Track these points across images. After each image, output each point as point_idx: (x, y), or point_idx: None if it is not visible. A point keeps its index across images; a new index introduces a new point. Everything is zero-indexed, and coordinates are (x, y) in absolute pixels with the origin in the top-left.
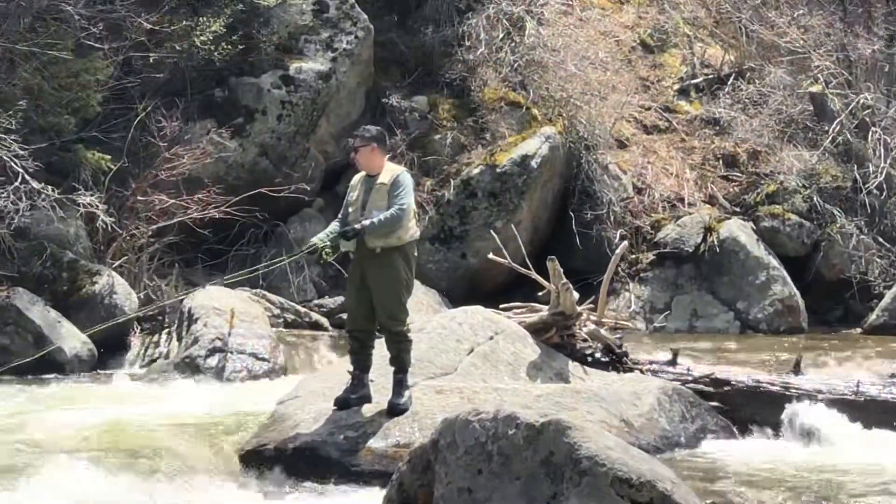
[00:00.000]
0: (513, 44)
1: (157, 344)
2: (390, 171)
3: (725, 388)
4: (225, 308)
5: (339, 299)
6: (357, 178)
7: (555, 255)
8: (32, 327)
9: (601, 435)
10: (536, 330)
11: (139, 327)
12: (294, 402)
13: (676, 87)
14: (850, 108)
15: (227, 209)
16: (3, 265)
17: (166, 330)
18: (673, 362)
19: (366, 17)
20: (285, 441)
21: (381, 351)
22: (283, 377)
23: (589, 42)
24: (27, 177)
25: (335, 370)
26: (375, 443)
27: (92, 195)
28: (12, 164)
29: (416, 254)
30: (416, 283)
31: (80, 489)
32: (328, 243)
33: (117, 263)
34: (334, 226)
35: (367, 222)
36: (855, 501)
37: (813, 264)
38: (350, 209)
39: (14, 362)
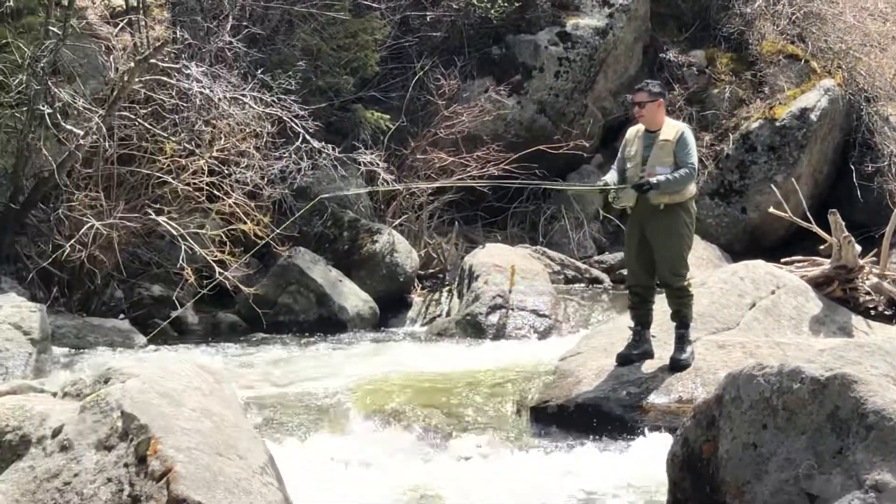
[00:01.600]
0: None
1: (437, 302)
2: (673, 127)
3: None
4: (505, 265)
5: (619, 255)
6: (633, 131)
7: (835, 209)
8: (314, 286)
9: (888, 389)
10: (818, 284)
11: (420, 286)
12: (576, 358)
13: None
14: None
15: (506, 166)
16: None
17: (447, 287)
18: None
19: None
20: (568, 397)
21: (661, 306)
22: (564, 333)
23: None
24: (308, 137)
25: (616, 326)
26: (658, 398)
27: (372, 154)
28: (293, 124)
29: (695, 209)
30: (696, 238)
31: (364, 444)
32: (616, 189)
33: (397, 222)
34: (613, 175)
35: (661, 178)
36: None
37: None
38: (629, 164)
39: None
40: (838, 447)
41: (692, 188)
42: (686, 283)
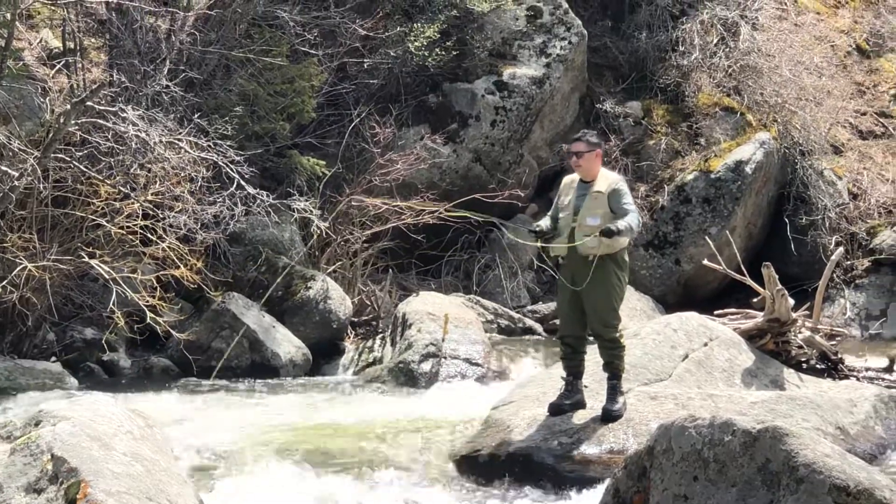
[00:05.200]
0: (727, 49)
1: (370, 349)
2: (607, 179)
3: None
4: (439, 313)
5: (553, 305)
6: (567, 181)
7: (769, 262)
8: (247, 332)
9: (818, 442)
10: (751, 336)
11: (353, 332)
12: (508, 407)
13: (893, 92)
14: None
15: (441, 215)
16: (218, 270)
17: (380, 335)
18: (889, 369)
19: (579, 22)
20: (499, 446)
21: (593, 356)
22: (496, 383)
23: (804, 47)
24: (242, 182)
25: (548, 376)
26: (589, 449)
27: (306, 200)
28: (228, 169)
29: (627, 260)
30: (630, 289)
31: (294, 492)
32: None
33: (332, 269)
34: (547, 222)
35: (621, 224)
36: None
37: None
38: (562, 213)
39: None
40: (768, 500)
41: (624, 240)
42: (618, 334)
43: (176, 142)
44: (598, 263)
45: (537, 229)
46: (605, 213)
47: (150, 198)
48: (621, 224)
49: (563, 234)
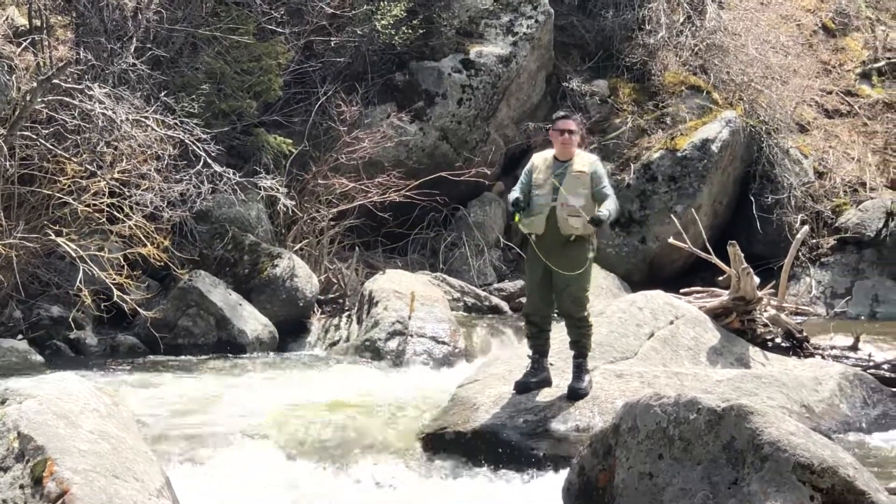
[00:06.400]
0: (693, 27)
1: (337, 327)
2: (587, 159)
3: None
4: (405, 291)
5: (519, 283)
6: (540, 158)
7: (735, 240)
8: (214, 310)
9: (783, 420)
10: (717, 315)
11: (320, 310)
12: (474, 385)
13: (858, 70)
14: None
15: (408, 193)
16: (184, 248)
17: (346, 313)
18: (854, 348)
19: (546, 0)
20: (465, 424)
21: (560, 335)
22: (462, 361)
23: (770, 26)
24: (209, 160)
25: (515, 354)
26: (555, 426)
27: (273, 178)
28: (195, 147)
29: (596, 241)
30: (596, 267)
31: (262, 470)
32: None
33: (298, 247)
34: (516, 195)
35: (608, 212)
36: None
37: None
38: (537, 191)
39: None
40: (733, 478)
41: None
42: (587, 312)
43: (142, 120)
44: (578, 244)
45: (520, 203)
46: (587, 193)
47: (116, 176)
48: (607, 211)
49: (542, 213)
